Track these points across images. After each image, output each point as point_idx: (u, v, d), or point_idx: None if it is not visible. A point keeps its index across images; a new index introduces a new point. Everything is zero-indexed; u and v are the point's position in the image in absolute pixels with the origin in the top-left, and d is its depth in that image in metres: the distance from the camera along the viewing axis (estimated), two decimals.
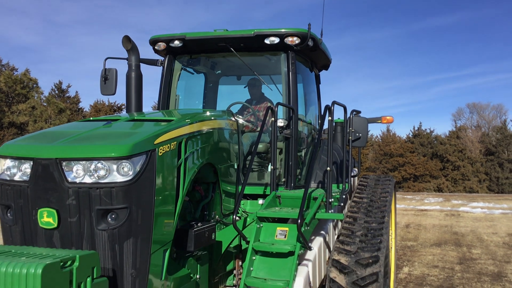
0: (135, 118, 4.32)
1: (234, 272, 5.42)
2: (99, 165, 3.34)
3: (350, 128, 5.83)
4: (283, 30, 5.76)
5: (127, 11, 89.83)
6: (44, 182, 3.36)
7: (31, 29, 79.76)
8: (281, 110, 5.79)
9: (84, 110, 58.13)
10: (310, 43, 5.86)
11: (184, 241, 4.15)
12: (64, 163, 3.35)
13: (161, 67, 6.46)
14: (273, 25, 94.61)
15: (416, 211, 23.97)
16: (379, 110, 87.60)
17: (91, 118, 4.45)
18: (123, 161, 3.37)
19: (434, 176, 56.92)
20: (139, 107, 5.93)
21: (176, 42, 6.09)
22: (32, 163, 3.41)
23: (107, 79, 6.14)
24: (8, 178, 3.55)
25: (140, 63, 5.96)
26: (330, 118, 5.07)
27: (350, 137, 5.82)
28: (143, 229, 3.44)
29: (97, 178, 3.34)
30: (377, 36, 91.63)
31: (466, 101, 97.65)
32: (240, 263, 5.41)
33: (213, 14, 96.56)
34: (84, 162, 3.35)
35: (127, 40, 5.73)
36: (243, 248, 5.27)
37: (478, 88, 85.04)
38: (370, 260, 4.59)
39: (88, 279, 2.92)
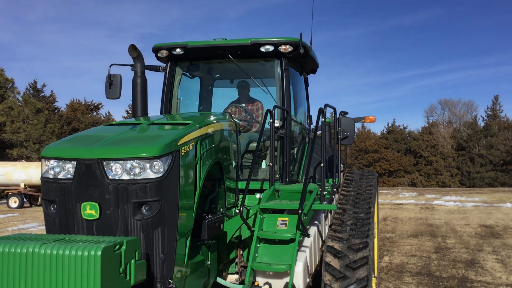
0: (155, 122, 4.82)
1: (236, 260, 5.95)
2: (135, 164, 3.86)
3: (339, 128, 6.43)
4: (277, 39, 6.31)
5: (98, 8, 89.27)
6: (87, 179, 3.86)
7: (0, 27, 78.92)
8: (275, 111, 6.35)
9: (61, 109, 57.86)
10: (301, 50, 6.42)
11: (198, 231, 4.68)
12: (104, 163, 3.87)
13: (163, 73, 6.93)
14: (246, 24, 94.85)
15: (392, 205, 24.86)
16: (352, 107, 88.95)
17: (114, 122, 4.93)
18: (155, 160, 3.89)
19: (408, 171, 58.33)
20: (144, 111, 6.39)
21: (178, 50, 6.58)
22: (76, 163, 3.91)
23: (112, 84, 6.58)
24: (51, 177, 4.04)
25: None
26: (323, 119, 5.66)
27: (339, 136, 6.42)
28: (170, 219, 3.97)
29: (133, 175, 3.86)
30: (349, 34, 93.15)
31: (438, 97, 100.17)
32: (241, 252, 5.93)
33: (187, 11, 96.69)
34: (121, 161, 3.86)
35: (133, 49, 6.18)
36: (243, 238, 5.79)
37: (449, 84, 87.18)
38: (361, 246, 5.17)
39: (132, 261, 3.44)
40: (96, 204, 3.82)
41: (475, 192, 36.64)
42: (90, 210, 3.82)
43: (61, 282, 3.13)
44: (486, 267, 9.53)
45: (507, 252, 11.13)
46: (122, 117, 60.54)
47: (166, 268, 3.97)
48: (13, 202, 25.47)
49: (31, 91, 55.15)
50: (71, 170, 3.94)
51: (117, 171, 3.85)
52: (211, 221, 4.79)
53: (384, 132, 62.70)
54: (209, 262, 4.96)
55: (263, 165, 6.77)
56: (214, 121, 5.23)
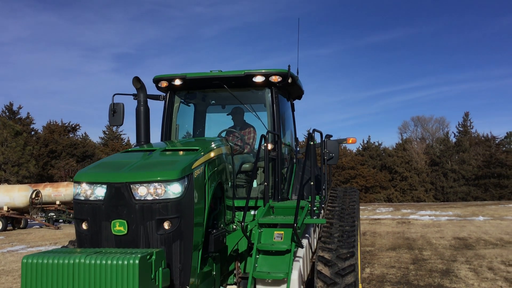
0: (166, 148, 5.44)
1: (235, 272, 6.53)
2: (157, 186, 4.48)
3: (325, 150, 7.12)
4: (267, 71, 6.97)
5: (72, 28, 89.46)
6: (117, 200, 4.46)
7: None
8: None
9: (38, 131, 57.58)
10: (289, 80, 7.11)
11: (205, 244, 5.27)
12: (132, 186, 4.47)
13: (163, 101, 7.54)
14: (221, 43, 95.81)
15: (370, 220, 25.66)
16: (328, 124, 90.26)
17: (131, 149, 5.54)
18: (174, 182, 4.52)
19: (384, 187, 59.50)
20: (147, 137, 6.96)
21: (177, 81, 7.20)
22: (106, 186, 4.51)
23: (115, 112, 7.16)
24: (83, 198, 4.62)
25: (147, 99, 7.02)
26: (312, 142, 6.34)
27: (325, 157, 7.10)
28: (187, 233, 4.57)
29: (156, 195, 4.47)
30: (322, 52, 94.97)
31: (410, 113, 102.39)
32: (239, 264, 6.53)
33: (162, 31, 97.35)
34: (146, 184, 4.47)
35: (137, 81, 6.79)
36: (240, 251, 6.39)
37: (421, 100, 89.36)
38: (348, 255, 5.83)
39: (160, 269, 4.05)
40: (125, 222, 4.42)
41: (449, 207, 37.80)
42: (119, 227, 4.41)
43: (105, 287, 3.71)
44: (460, 275, 10.26)
45: (479, 262, 11.90)
46: (100, 137, 60.56)
47: (183, 276, 4.57)
48: None
49: (7, 113, 54.95)
50: (102, 192, 4.53)
51: (142, 192, 4.46)
52: (217, 236, 5.40)
53: (360, 149, 63.96)
54: (214, 273, 5.55)
55: (254, 184, 7.40)
56: (216, 147, 5.86)
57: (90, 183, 4.60)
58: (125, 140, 67.88)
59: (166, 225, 4.49)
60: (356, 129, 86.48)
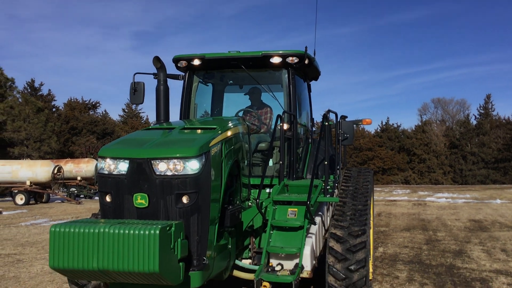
0: (185, 126, 5.67)
1: (249, 247, 6.78)
2: (176, 162, 4.71)
3: (340, 130, 7.27)
4: (285, 52, 7.12)
5: (92, 6, 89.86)
6: (138, 175, 4.71)
7: None
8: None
9: (59, 108, 58.39)
10: (306, 61, 7.25)
11: (222, 219, 5.51)
12: (153, 162, 4.72)
13: (182, 81, 7.74)
14: (240, 22, 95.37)
15: (386, 202, 25.77)
16: (346, 105, 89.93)
17: (151, 127, 5.78)
18: (193, 159, 4.75)
19: (402, 169, 59.34)
20: (166, 115, 7.18)
21: (196, 61, 7.39)
22: (129, 162, 4.76)
23: (136, 91, 7.38)
24: (107, 173, 4.89)
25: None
26: (326, 123, 6.50)
27: (340, 138, 7.26)
28: (204, 208, 4.81)
29: (175, 171, 4.71)
30: (343, 32, 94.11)
31: (431, 96, 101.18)
32: (253, 239, 6.77)
33: (180, 9, 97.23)
34: (166, 160, 4.71)
35: (157, 60, 6.98)
36: (255, 227, 6.62)
37: (442, 82, 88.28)
38: (359, 232, 6.01)
39: (179, 240, 4.30)
40: (146, 195, 4.67)
41: (467, 189, 37.64)
42: (140, 200, 4.67)
43: (127, 255, 3.97)
44: (472, 256, 10.40)
45: (493, 244, 12.02)
46: (120, 115, 61.14)
47: (200, 248, 4.82)
48: (20, 199, 26.29)
49: (29, 90, 55.78)
50: (125, 167, 4.78)
51: (162, 168, 4.70)
52: (232, 211, 5.63)
53: (378, 130, 63.64)
54: (230, 247, 5.80)
55: (270, 163, 7.60)
56: (233, 126, 6.05)
57: (114, 158, 4.85)
58: (144, 119, 68.46)
59: (184, 200, 4.72)
60: (375, 111, 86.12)
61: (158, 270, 3.95)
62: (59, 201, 30.11)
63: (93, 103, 61.78)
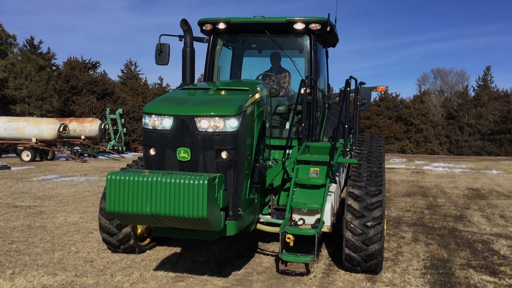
0: (219, 87, 6.01)
1: (269, 203, 7.21)
2: (217, 120, 5.10)
3: (358, 96, 7.62)
4: (308, 18, 7.40)
5: None
6: (182, 130, 5.10)
7: None
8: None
9: (59, 66, 58.16)
10: (328, 28, 7.53)
11: (251, 175, 5.91)
12: (195, 119, 5.10)
13: (207, 44, 8.02)
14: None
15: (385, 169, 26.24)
16: (346, 72, 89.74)
17: (187, 87, 6.13)
18: (232, 118, 5.14)
19: (398, 138, 59.92)
20: (192, 76, 7.48)
21: (222, 25, 7.66)
22: (173, 118, 5.13)
23: (161, 52, 7.65)
24: (151, 128, 5.27)
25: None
26: (348, 88, 6.86)
27: (358, 103, 7.62)
28: (240, 163, 5.22)
29: (215, 128, 5.09)
30: None
31: (430, 66, 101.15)
32: (273, 196, 7.20)
33: None
34: (208, 118, 5.10)
35: (184, 23, 7.24)
36: (274, 185, 7.02)
37: (442, 52, 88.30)
38: (376, 192, 6.43)
39: (221, 191, 4.73)
40: (189, 149, 5.07)
41: (463, 160, 38.32)
42: (183, 154, 5.07)
43: (177, 203, 4.38)
44: (472, 221, 10.91)
45: (492, 210, 12.54)
46: (118, 76, 61.11)
47: (235, 200, 5.24)
48: (26, 156, 26.66)
49: (28, 47, 55.43)
50: (169, 123, 5.16)
51: (204, 125, 5.09)
52: (260, 168, 6.03)
53: (377, 99, 63.95)
54: (256, 201, 6.23)
55: (287, 126, 7.96)
56: (260, 89, 6.40)
57: (159, 114, 5.22)
58: (143, 80, 68.39)
59: (223, 155, 5.12)
60: (373, 80, 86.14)
61: (206, 215, 4.37)
62: (64, 159, 30.54)
63: (93, 62, 61.59)
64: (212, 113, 5.08)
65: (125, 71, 68.62)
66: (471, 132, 58.78)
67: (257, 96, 6.04)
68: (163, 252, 7.19)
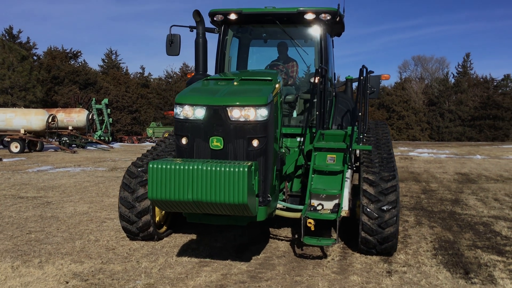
0: (243, 78, 6.17)
1: (284, 190, 7.42)
2: (249, 109, 5.27)
3: (368, 84, 7.84)
4: (318, 9, 7.57)
5: None
6: (215, 120, 5.27)
7: None
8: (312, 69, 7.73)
9: (40, 56, 57.37)
10: (338, 18, 7.72)
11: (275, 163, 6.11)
12: (227, 109, 5.26)
13: (217, 34, 8.14)
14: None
15: None
16: None
17: (210, 78, 6.28)
18: (262, 107, 5.32)
19: None
20: (205, 67, 7.61)
21: (233, 15, 7.77)
22: (205, 108, 5.28)
23: (172, 43, 7.76)
24: (183, 118, 5.42)
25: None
26: (362, 78, 7.08)
27: (367, 91, 7.84)
28: (269, 151, 5.42)
29: (247, 118, 5.26)
30: None
31: (411, 53, 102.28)
32: (287, 183, 7.40)
33: None
34: (240, 107, 5.27)
35: (197, 14, 7.36)
36: (288, 173, 7.22)
37: (422, 39, 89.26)
38: (390, 177, 6.67)
39: (256, 177, 4.91)
40: (221, 138, 5.24)
41: (445, 146, 39.07)
42: (216, 143, 5.24)
43: (219, 189, 4.56)
44: (469, 204, 11.29)
45: (485, 194, 12.95)
46: (99, 65, 60.32)
47: (265, 187, 5.44)
48: (15, 147, 26.44)
49: (7, 37, 54.54)
50: (201, 113, 5.32)
51: (236, 115, 5.26)
52: (282, 156, 6.24)
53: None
54: (277, 188, 6.44)
55: (294, 114, 8.16)
56: (280, 79, 6.59)
57: (191, 105, 5.38)
58: (124, 70, 67.84)
59: (255, 143, 5.31)
60: (353, 67, 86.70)
61: (246, 201, 4.57)
62: (52, 150, 30.35)
63: (74, 52, 60.93)
64: (244, 103, 5.27)
65: (106, 60, 67.97)
66: (452, 118, 59.78)
67: (277, 86, 6.23)
68: (180, 239, 7.37)
